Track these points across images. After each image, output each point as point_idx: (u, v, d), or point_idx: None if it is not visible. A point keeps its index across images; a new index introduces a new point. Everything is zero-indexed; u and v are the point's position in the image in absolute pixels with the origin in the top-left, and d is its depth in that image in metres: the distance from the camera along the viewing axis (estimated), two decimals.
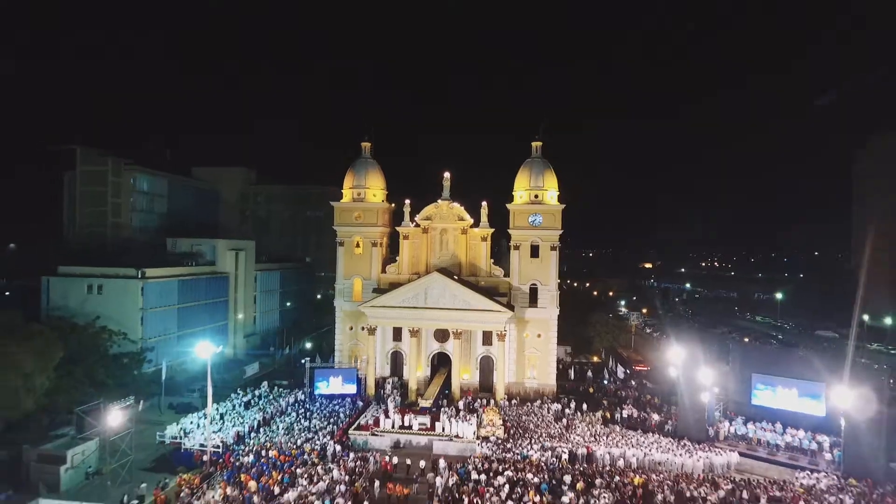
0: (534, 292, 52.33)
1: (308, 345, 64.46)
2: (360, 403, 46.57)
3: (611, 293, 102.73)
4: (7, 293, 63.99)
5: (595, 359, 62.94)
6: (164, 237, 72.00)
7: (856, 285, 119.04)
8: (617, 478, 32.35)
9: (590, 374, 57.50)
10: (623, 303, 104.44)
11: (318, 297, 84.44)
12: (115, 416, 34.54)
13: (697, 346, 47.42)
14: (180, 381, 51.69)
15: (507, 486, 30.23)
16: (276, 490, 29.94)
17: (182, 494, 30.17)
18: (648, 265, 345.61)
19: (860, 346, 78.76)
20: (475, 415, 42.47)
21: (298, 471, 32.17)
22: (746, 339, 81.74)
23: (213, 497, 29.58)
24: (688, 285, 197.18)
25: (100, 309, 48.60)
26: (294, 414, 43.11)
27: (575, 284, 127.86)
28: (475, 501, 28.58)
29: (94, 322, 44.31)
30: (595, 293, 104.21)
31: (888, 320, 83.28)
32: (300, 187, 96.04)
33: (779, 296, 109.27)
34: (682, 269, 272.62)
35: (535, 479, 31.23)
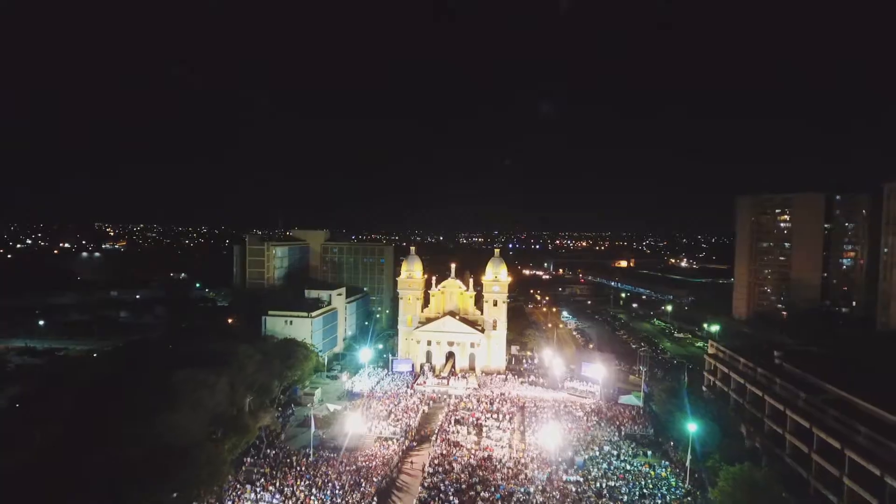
0: (495, 323, 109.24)
1: (380, 346, 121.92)
2: (414, 374, 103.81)
3: (555, 310, 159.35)
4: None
5: (529, 353, 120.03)
6: (289, 284, 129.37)
7: (728, 299, 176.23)
8: (516, 399, 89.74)
9: (523, 360, 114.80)
10: (565, 312, 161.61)
11: (378, 315, 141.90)
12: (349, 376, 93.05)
13: (577, 347, 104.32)
14: (326, 363, 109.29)
15: (476, 401, 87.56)
16: (396, 402, 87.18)
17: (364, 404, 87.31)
18: (623, 263, 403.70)
19: (685, 341, 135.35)
20: (466, 379, 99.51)
21: (400, 396, 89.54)
22: (638, 343, 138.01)
23: (375, 406, 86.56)
24: (640, 289, 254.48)
25: (292, 333, 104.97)
26: (388, 378, 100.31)
27: (537, 296, 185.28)
28: (463, 405, 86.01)
29: (304, 340, 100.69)
30: (544, 309, 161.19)
31: (713, 328, 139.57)
32: (360, 244, 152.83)
33: (669, 308, 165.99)
34: (645, 271, 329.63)
35: (486, 400, 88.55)
